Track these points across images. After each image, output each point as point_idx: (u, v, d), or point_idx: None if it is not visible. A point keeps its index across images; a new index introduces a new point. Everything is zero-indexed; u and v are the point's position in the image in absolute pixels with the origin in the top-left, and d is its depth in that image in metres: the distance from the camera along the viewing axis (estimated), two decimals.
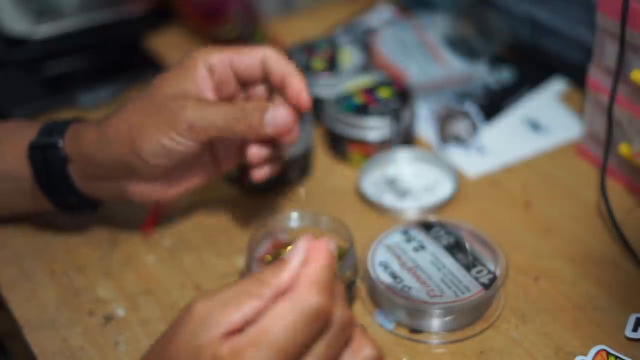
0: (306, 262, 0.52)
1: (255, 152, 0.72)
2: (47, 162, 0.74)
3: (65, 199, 0.76)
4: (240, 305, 0.50)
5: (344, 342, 0.52)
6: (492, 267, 0.72)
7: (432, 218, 0.79)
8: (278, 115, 0.70)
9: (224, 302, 0.50)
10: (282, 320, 0.49)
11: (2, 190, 0.77)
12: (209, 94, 0.72)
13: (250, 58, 0.73)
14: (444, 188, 0.85)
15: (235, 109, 0.70)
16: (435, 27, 1.04)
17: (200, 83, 0.72)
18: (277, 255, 0.73)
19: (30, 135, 0.75)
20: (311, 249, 0.52)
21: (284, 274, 0.51)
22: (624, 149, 0.81)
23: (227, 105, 0.71)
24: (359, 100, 0.90)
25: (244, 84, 0.75)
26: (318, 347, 0.50)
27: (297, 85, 0.72)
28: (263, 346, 0.49)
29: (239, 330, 0.50)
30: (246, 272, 0.73)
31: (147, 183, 0.73)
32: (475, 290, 0.71)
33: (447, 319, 0.70)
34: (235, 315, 0.50)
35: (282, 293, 0.51)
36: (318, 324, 0.50)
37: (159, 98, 0.71)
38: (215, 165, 0.77)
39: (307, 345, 0.50)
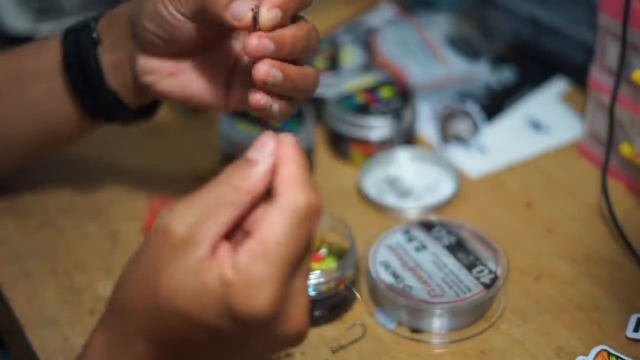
0: (278, 162, 0.50)
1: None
2: (78, 44, 0.73)
3: (92, 93, 0.73)
4: (218, 217, 0.49)
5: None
6: (493, 267, 0.72)
7: (433, 218, 0.79)
8: (240, 7, 0.61)
9: (200, 216, 0.49)
10: (279, 227, 0.48)
11: (35, 93, 0.76)
12: None
13: None
14: (445, 188, 0.85)
15: None
16: (437, 26, 1.04)
17: None
18: None
19: (66, 26, 0.74)
20: (278, 147, 0.50)
21: (257, 178, 0.50)
22: (625, 149, 0.81)
23: None
24: (360, 99, 0.90)
25: None
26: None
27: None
28: (268, 257, 0.48)
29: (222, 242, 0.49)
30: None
31: (152, 57, 0.70)
32: (476, 290, 0.70)
33: (448, 318, 0.70)
34: (216, 229, 0.49)
35: (257, 197, 0.50)
36: (311, 222, 0.49)
37: None
38: (226, 93, 0.70)
39: (307, 246, 0.49)
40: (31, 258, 0.79)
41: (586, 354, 0.68)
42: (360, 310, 0.73)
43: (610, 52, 0.81)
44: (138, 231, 0.81)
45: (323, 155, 0.90)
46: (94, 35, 0.73)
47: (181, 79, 0.71)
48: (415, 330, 0.71)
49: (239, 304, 0.48)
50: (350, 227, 0.75)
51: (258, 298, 0.48)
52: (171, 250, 0.49)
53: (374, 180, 0.86)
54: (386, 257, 0.74)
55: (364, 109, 0.88)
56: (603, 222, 0.81)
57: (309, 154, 0.87)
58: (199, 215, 0.49)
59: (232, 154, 0.84)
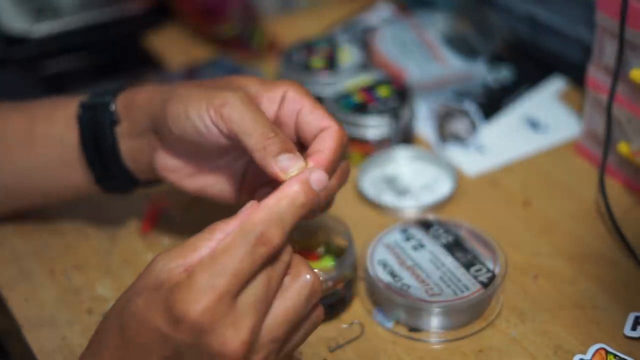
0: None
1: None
2: (96, 123, 0.73)
3: (107, 167, 0.74)
4: (195, 248, 0.55)
5: (283, 276, 0.56)
6: (491, 266, 0.72)
7: (431, 217, 0.79)
8: (289, 165, 0.61)
9: (180, 249, 0.55)
10: (230, 246, 0.54)
11: (46, 159, 0.76)
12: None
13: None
14: (443, 187, 0.85)
15: (268, 128, 0.63)
16: (435, 25, 1.04)
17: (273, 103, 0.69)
18: None
19: (82, 100, 0.75)
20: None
21: (232, 221, 0.56)
22: (623, 147, 0.81)
23: (266, 118, 0.64)
24: (358, 98, 0.90)
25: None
26: (262, 277, 0.54)
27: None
28: (213, 268, 0.53)
29: None
30: None
31: (172, 157, 0.71)
32: (474, 289, 0.71)
33: (446, 317, 0.70)
34: (192, 256, 0.55)
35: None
36: (262, 251, 0.54)
37: (228, 81, 0.69)
38: (240, 189, 0.73)
39: (252, 272, 0.54)
40: (29, 258, 0.79)
41: (584, 353, 0.68)
42: (358, 309, 0.73)
43: (607, 50, 0.81)
44: (136, 231, 0.81)
45: None
46: (113, 117, 0.72)
47: (200, 179, 0.72)
48: (413, 329, 0.71)
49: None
50: (348, 226, 0.75)
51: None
52: (150, 273, 0.55)
53: (371, 180, 0.87)
54: (384, 256, 0.74)
55: (361, 108, 0.88)
56: (601, 220, 0.81)
57: None
58: (180, 248, 0.56)
59: None
